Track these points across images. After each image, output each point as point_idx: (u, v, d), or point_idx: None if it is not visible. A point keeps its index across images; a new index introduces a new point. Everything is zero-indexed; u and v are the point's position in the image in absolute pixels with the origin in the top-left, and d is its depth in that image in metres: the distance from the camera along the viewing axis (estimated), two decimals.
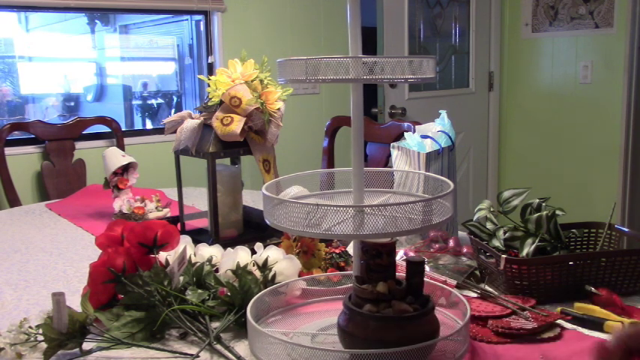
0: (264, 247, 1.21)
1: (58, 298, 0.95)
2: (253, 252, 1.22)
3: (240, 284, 1.07)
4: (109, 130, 2.96)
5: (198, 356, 0.96)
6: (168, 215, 1.89)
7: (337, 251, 1.32)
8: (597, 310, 1.06)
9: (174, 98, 4.01)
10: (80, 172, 2.86)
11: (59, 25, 3.79)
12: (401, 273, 0.91)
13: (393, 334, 0.76)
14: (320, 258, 1.29)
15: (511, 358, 0.94)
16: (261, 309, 1.05)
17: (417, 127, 1.55)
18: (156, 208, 1.92)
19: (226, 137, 1.45)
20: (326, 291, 1.15)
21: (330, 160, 2.65)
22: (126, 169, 1.98)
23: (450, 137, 1.49)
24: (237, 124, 1.43)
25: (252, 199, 1.94)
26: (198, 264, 1.17)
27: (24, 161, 2.79)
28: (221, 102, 1.47)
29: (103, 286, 1.07)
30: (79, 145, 2.90)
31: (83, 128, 2.91)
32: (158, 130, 3.19)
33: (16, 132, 2.79)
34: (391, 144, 1.52)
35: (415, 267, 0.87)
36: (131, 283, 1.06)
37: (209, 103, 1.50)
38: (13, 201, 2.63)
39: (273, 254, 1.17)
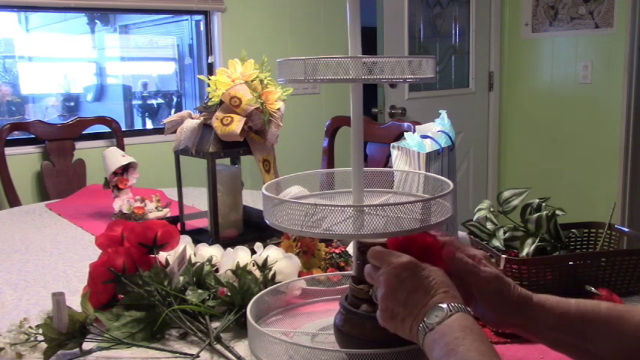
0: (264, 247, 1.21)
1: (58, 298, 0.95)
2: (253, 252, 1.22)
3: (240, 284, 1.08)
4: (109, 130, 2.96)
5: (198, 356, 0.96)
6: (168, 215, 1.89)
7: (337, 251, 1.32)
8: None
9: (174, 98, 4.02)
10: (80, 172, 2.86)
11: (59, 25, 3.79)
12: None
13: (389, 334, 0.76)
14: (320, 258, 1.29)
15: (511, 358, 0.94)
16: (261, 309, 1.05)
17: (417, 127, 1.55)
18: (156, 208, 1.92)
19: (226, 137, 1.45)
20: (326, 291, 1.15)
21: (330, 160, 2.65)
22: (126, 169, 1.98)
23: (450, 137, 1.49)
24: (237, 124, 1.43)
25: (252, 199, 1.94)
26: (198, 264, 1.17)
27: (24, 161, 2.79)
28: (221, 102, 1.47)
29: (103, 286, 1.07)
30: (79, 145, 2.90)
31: (83, 128, 2.91)
32: (158, 130, 3.19)
33: (16, 132, 2.79)
34: (391, 144, 1.52)
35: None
36: (131, 283, 1.06)
37: (209, 103, 1.50)
38: (13, 201, 2.63)
39: (272, 254, 1.17)
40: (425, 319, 0.69)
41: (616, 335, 0.73)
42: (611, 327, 0.74)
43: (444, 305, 0.68)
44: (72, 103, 4.01)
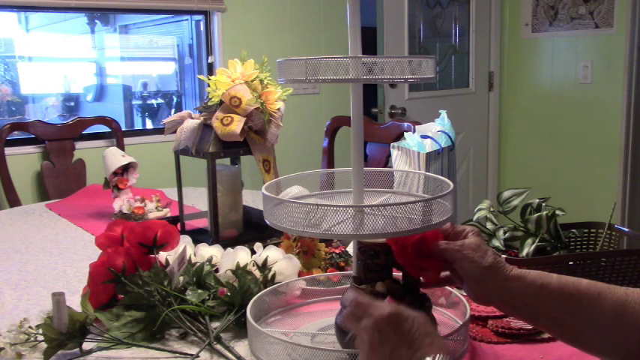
0: (264, 247, 1.21)
1: (58, 298, 0.95)
2: (253, 252, 1.22)
3: (240, 284, 1.08)
4: (109, 130, 2.96)
5: (198, 356, 0.96)
6: (168, 215, 1.89)
7: (337, 251, 1.32)
8: None
9: (174, 98, 4.02)
10: (80, 172, 2.86)
11: (59, 25, 3.79)
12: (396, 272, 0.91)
13: None
14: (320, 258, 1.29)
15: (511, 358, 0.94)
16: (261, 309, 1.05)
17: (417, 127, 1.55)
18: (156, 208, 1.92)
19: (226, 137, 1.45)
20: (326, 291, 1.15)
21: (330, 160, 2.65)
22: (126, 169, 1.98)
23: (450, 137, 1.49)
24: (237, 124, 1.43)
25: (252, 199, 1.94)
26: (198, 264, 1.17)
27: (24, 161, 2.79)
28: (221, 102, 1.47)
29: (103, 286, 1.07)
30: (79, 145, 2.90)
31: (83, 128, 2.91)
32: (158, 130, 3.19)
33: (16, 132, 2.79)
34: (391, 144, 1.52)
35: None
36: (131, 283, 1.06)
37: (209, 103, 1.50)
38: (13, 201, 2.63)
39: (272, 254, 1.17)
40: None
41: (594, 310, 0.75)
42: (590, 301, 0.75)
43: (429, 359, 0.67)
44: (72, 103, 4.02)
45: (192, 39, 3.43)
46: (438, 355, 0.67)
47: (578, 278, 0.78)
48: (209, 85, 1.50)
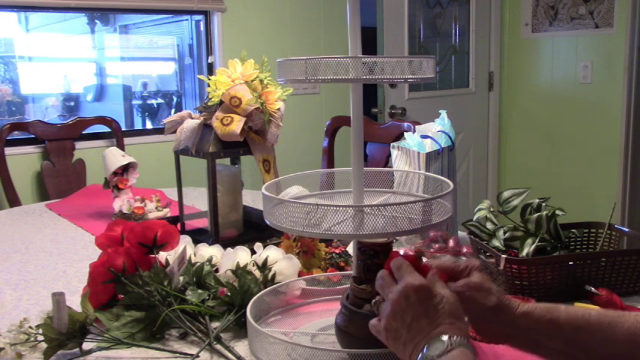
0: (264, 247, 1.21)
1: (58, 298, 0.95)
2: (253, 252, 1.22)
3: (240, 284, 1.08)
4: (109, 130, 2.96)
5: (198, 356, 0.96)
6: (168, 215, 1.89)
7: (337, 251, 1.32)
8: None
9: (174, 98, 4.02)
10: (80, 172, 2.86)
11: (59, 25, 3.79)
12: None
13: None
14: (320, 258, 1.29)
15: (511, 358, 0.94)
16: (261, 309, 1.05)
17: (417, 127, 1.55)
18: (156, 208, 1.92)
19: (226, 137, 1.45)
20: (326, 291, 1.15)
21: (330, 160, 2.65)
22: (126, 169, 1.98)
23: (450, 137, 1.49)
24: (237, 124, 1.43)
25: (252, 199, 1.94)
26: (198, 264, 1.17)
27: (24, 161, 2.79)
28: (221, 102, 1.47)
29: (103, 286, 1.07)
30: (79, 145, 2.90)
31: (83, 128, 2.91)
32: (158, 130, 3.19)
33: (16, 132, 2.79)
34: (391, 144, 1.52)
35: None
36: (131, 283, 1.06)
37: (209, 103, 1.50)
38: (13, 201, 2.63)
39: (272, 254, 1.17)
40: (425, 349, 0.67)
41: (606, 341, 0.73)
42: (601, 333, 0.73)
43: (445, 338, 0.67)
44: (72, 103, 4.01)
45: (192, 39, 3.43)
46: (456, 336, 0.67)
47: (587, 309, 0.77)
48: (209, 85, 1.50)
